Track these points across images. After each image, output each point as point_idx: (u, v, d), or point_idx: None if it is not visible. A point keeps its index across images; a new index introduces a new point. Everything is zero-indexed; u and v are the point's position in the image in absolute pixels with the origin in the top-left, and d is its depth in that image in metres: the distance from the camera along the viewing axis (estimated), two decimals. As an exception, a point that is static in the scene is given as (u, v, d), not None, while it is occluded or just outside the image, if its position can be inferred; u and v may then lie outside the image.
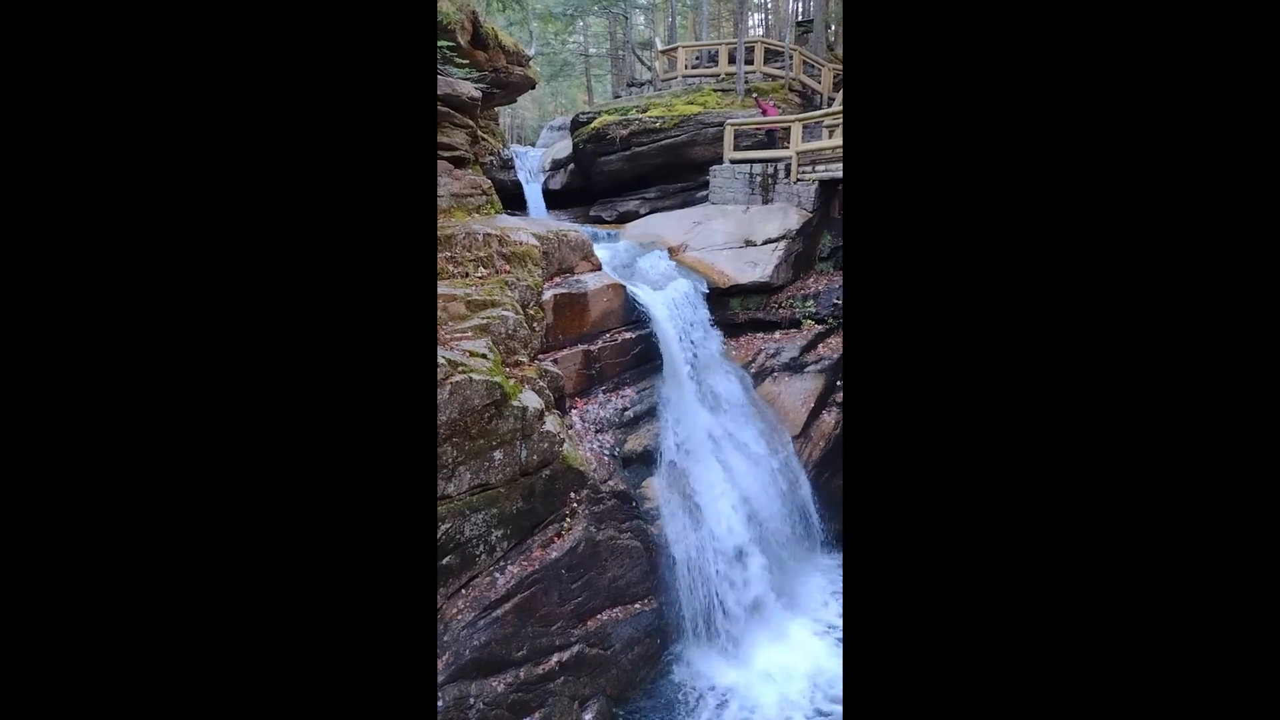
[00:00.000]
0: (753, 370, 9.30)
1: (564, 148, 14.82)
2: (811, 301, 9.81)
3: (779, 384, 9.29)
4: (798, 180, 10.58)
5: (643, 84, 18.29)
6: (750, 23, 23.33)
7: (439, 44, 7.86)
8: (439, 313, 6.06)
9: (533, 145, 18.23)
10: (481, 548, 5.68)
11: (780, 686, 6.95)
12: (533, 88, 11.83)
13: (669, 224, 10.89)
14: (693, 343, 8.60)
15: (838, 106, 12.17)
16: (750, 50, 14.83)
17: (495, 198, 8.62)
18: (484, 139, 9.64)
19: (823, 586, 8.42)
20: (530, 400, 6.02)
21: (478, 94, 8.35)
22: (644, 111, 13.03)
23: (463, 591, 5.59)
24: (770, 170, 10.92)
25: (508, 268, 7.05)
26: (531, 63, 11.26)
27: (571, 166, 14.34)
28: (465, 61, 8.91)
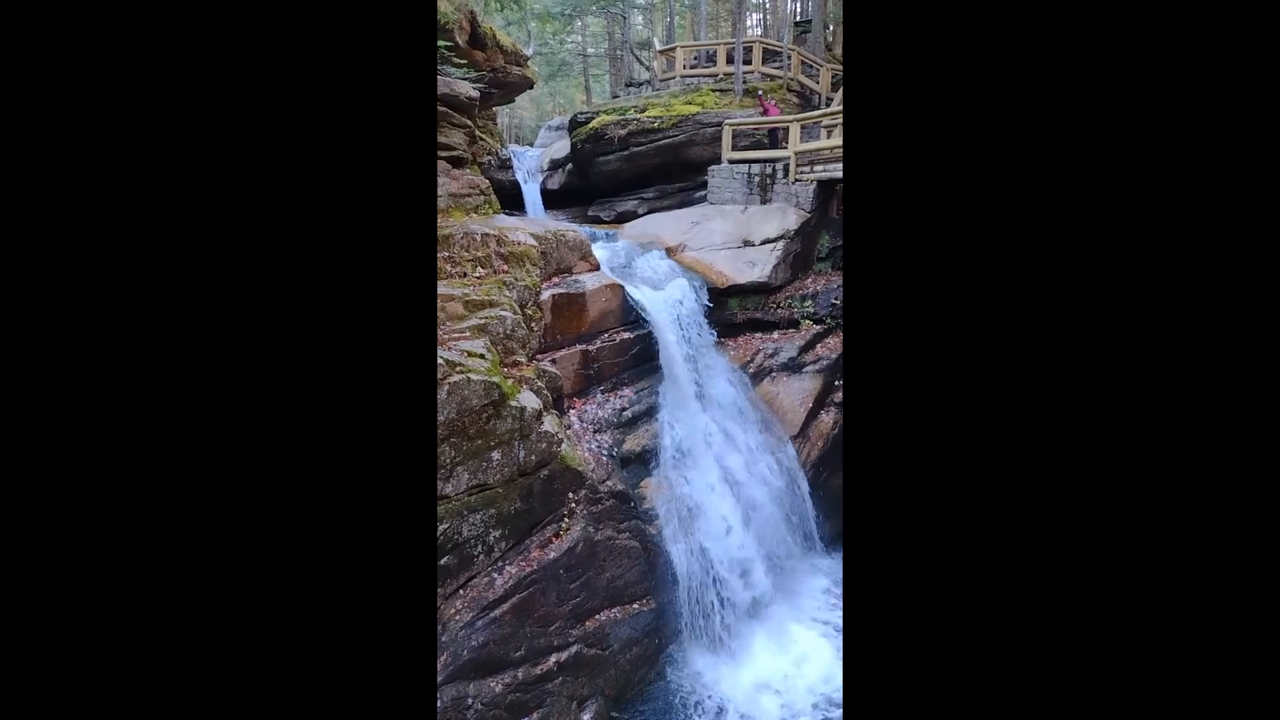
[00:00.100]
0: (751, 370, 9.31)
1: (562, 148, 14.81)
2: (810, 301, 9.82)
3: (777, 384, 9.30)
4: (796, 180, 10.59)
5: (641, 84, 18.29)
6: (748, 23, 23.36)
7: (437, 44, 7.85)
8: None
9: (531, 145, 18.22)
10: (479, 548, 5.67)
11: (779, 687, 6.95)
12: (531, 87, 11.82)
13: (667, 224, 10.89)
14: (690, 343, 8.60)
15: (836, 106, 12.19)
16: (748, 50, 14.83)
17: (493, 198, 8.61)
18: (482, 139, 9.63)
19: (821, 586, 8.43)
20: (528, 400, 6.02)
21: (475, 94, 8.34)
22: (642, 111, 13.02)
23: (461, 592, 5.58)
24: (768, 170, 10.93)
25: (506, 268, 7.04)
26: (529, 62, 11.25)
27: (569, 166, 14.33)
28: (463, 61, 8.90)
